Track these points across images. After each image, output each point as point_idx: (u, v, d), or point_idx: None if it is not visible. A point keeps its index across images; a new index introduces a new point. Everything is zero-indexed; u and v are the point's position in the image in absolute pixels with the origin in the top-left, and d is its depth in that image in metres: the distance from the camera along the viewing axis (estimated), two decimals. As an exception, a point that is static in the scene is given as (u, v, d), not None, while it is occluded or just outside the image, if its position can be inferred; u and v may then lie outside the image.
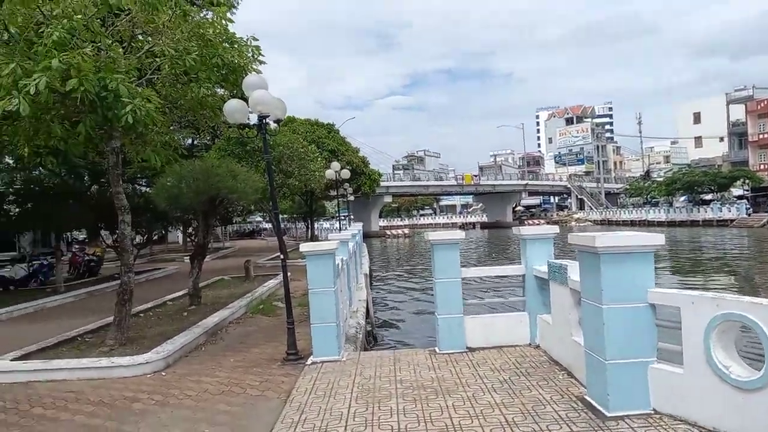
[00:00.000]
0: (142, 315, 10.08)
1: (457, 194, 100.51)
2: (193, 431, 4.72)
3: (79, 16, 5.83)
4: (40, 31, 6.03)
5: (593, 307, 4.43)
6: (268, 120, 6.66)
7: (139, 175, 24.86)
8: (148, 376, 6.51)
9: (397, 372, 5.93)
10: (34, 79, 5.44)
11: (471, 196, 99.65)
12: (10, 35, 6.27)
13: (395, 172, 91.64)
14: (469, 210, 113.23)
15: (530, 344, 6.76)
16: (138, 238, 21.67)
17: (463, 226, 78.03)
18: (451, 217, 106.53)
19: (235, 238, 55.52)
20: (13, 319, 11.59)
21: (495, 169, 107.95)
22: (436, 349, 6.75)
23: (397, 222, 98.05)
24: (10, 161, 21.80)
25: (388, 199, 78.16)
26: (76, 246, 22.37)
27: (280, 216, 8.85)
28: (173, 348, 7.19)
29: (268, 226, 62.42)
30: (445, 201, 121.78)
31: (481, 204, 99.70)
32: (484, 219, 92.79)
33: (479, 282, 7.97)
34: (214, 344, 8.11)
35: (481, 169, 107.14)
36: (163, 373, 6.59)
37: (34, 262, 17.66)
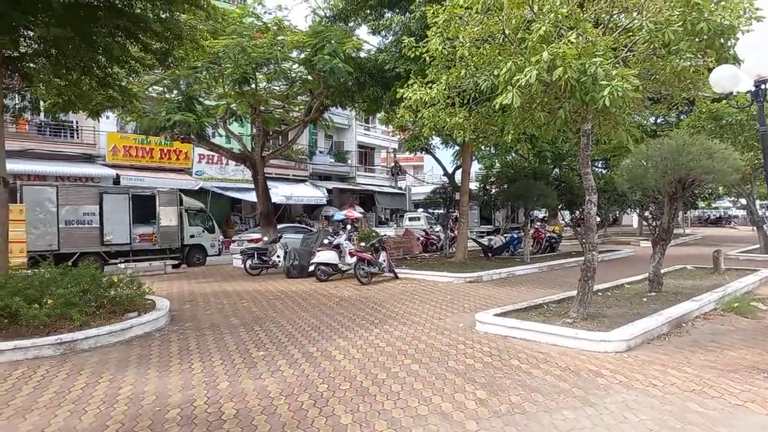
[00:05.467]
0: (600, 294, 10.28)
1: None
2: (660, 421, 4.49)
3: (564, 9, 6.26)
4: (529, 27, 6.78)
5: None
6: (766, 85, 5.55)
7: (596, 158, 25.48)
8: (610, 354, 6.58)
9: None
10: (525, 73, 6.18)
11: None
12: (505, 36, 7.30)
13: None
14: None
15: None
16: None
17: None
18: None
19: (696, 225, 50.05)
20: (492, 281, 13.90)
21: None
22: None
23: None
24: (490, 149, 25.98)
25: None
26: (538, 223, 24.77)
27: (758, 202, 7.32)
28: (635, 332, 7.04)
29: (740, 213, 53.39)
30: None
31: None
32: None
33: None
34: (678, 336, 7.50)
35: None
36: (625, 355, 6.54)
37: (506, 235, 20.59)
